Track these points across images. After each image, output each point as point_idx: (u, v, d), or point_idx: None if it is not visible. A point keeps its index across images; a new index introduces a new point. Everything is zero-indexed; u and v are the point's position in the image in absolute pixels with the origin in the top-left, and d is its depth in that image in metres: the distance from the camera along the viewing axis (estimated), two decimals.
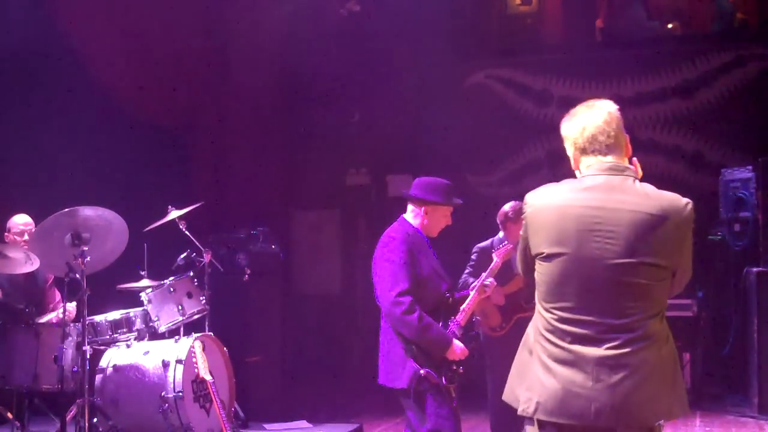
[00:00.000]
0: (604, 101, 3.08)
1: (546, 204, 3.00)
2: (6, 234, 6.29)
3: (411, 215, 4.62)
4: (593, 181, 2.97)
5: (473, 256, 5.81)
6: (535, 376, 2.96)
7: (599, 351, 2.86)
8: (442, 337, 4.37)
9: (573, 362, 2.89)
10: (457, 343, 4.38)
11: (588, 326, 2.89)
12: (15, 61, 7.65)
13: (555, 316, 2.94)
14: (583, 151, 3.03)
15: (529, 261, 3.09)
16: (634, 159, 3.10)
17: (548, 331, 2.96)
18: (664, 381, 2.89)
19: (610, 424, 2.86)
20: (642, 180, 3.04)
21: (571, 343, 2.90)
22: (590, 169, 3.01)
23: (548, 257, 2.96)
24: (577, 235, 2.91)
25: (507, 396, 3.12)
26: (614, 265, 2.86)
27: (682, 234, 2.92)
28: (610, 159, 2.99)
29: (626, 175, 2.97)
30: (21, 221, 6.28)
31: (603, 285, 2.88)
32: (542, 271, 3.00)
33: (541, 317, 3.01)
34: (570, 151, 3.10)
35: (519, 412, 3.01)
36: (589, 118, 3.03)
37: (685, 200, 2.95)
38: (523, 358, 3.07)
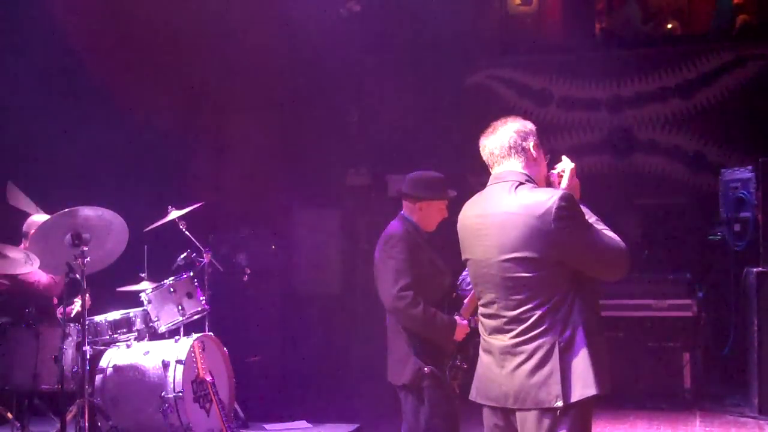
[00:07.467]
0: (512, 122, 3.38)
1: (461, 217, 3.45)
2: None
3: (408, 212, 4.63)
4: (483, 193, 3.39)
5: None
6: (477, 365, 3.39)
7: (504, 340, 3.22)
8: (448, 323, 4.36)
9: (490, 351, 3.28)
10: (460, 321, 4.38)
11: (496, 319, 3.25)
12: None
13: (481, 312, 3.35)
14: (489, 166, 3.40)
15: None
16: (564, 157, 3.38)
17: (481, 324, 3.37)
18: (563, 366, 3.11)
19: (515, 406, 3.18)
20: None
21: (489, 334, 3.29)
22: (490, 180, 3.38)
23: (466, 262, 3.43)
24: (471, 242, 3.34)
25: None
26: (494, 263, 3.21)
27: (547, 225, 3.10)
28: (500, 170, 3.34)
29: (506, 181, 3.28)
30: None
31: (493, 281, 3.23)
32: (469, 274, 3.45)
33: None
34: None
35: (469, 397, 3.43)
36: (488, 138, 3.41)
37: (553, 193, 3.15)
38: None
